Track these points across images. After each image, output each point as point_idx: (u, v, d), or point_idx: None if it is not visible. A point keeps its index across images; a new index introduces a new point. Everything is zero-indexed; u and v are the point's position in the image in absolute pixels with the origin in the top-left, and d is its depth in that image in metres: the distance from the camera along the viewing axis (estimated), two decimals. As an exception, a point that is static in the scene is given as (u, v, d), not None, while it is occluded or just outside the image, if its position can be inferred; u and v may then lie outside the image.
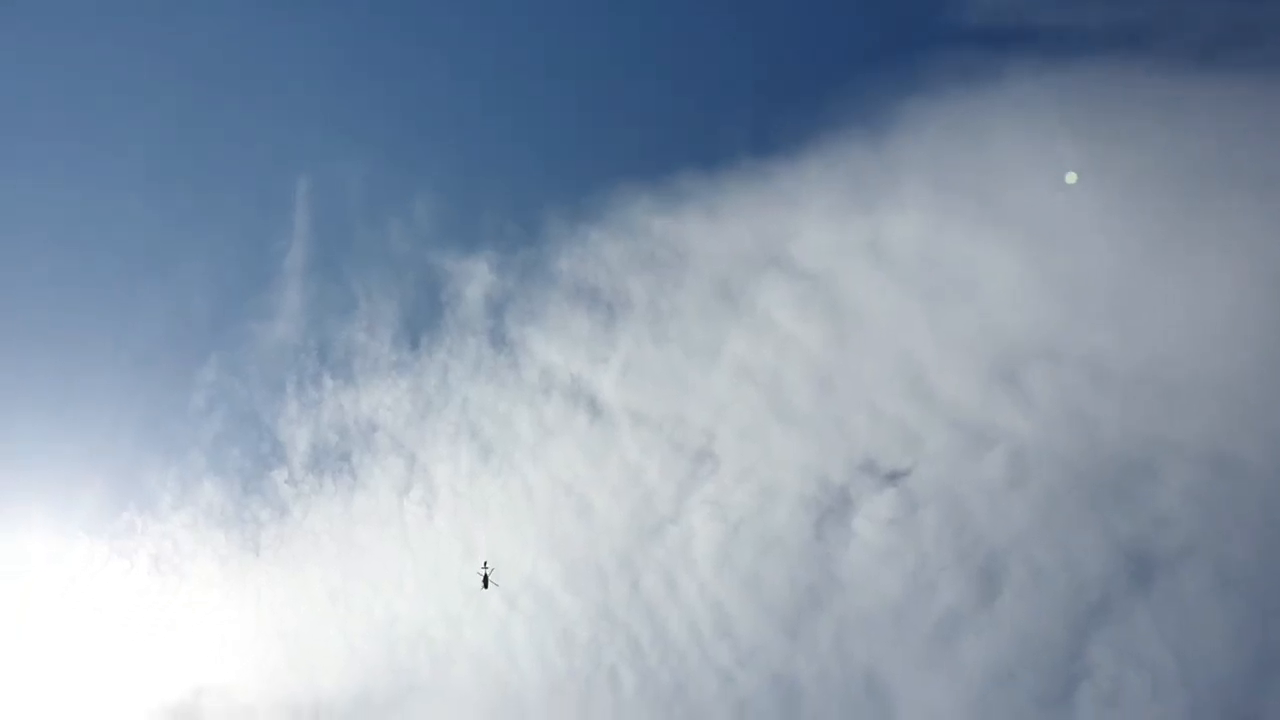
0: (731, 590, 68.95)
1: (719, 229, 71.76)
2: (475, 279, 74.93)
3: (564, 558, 70.98)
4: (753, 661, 67.91)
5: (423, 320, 75.21)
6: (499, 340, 74.02)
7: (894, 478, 67.79)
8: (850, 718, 66.24)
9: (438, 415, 73.70)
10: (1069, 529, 64.26)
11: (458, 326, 74.69)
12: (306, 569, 72.16)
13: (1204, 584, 62.29)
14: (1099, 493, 63.93)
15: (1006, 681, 64.39)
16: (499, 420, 73.31)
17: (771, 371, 70.16)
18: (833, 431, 68.65)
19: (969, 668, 64.87)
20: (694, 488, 70.36)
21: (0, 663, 71.18)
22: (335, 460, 73.42)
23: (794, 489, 68.91)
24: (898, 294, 68.48)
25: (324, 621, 71.40)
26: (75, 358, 75.17)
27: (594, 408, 72.05)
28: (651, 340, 72.20)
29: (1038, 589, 64.69)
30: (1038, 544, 64.65)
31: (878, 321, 68.90)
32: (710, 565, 69.40)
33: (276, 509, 72.91)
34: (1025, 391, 65.28)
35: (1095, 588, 63.86)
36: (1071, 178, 65.44)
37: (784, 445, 69.48)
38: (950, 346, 67.10)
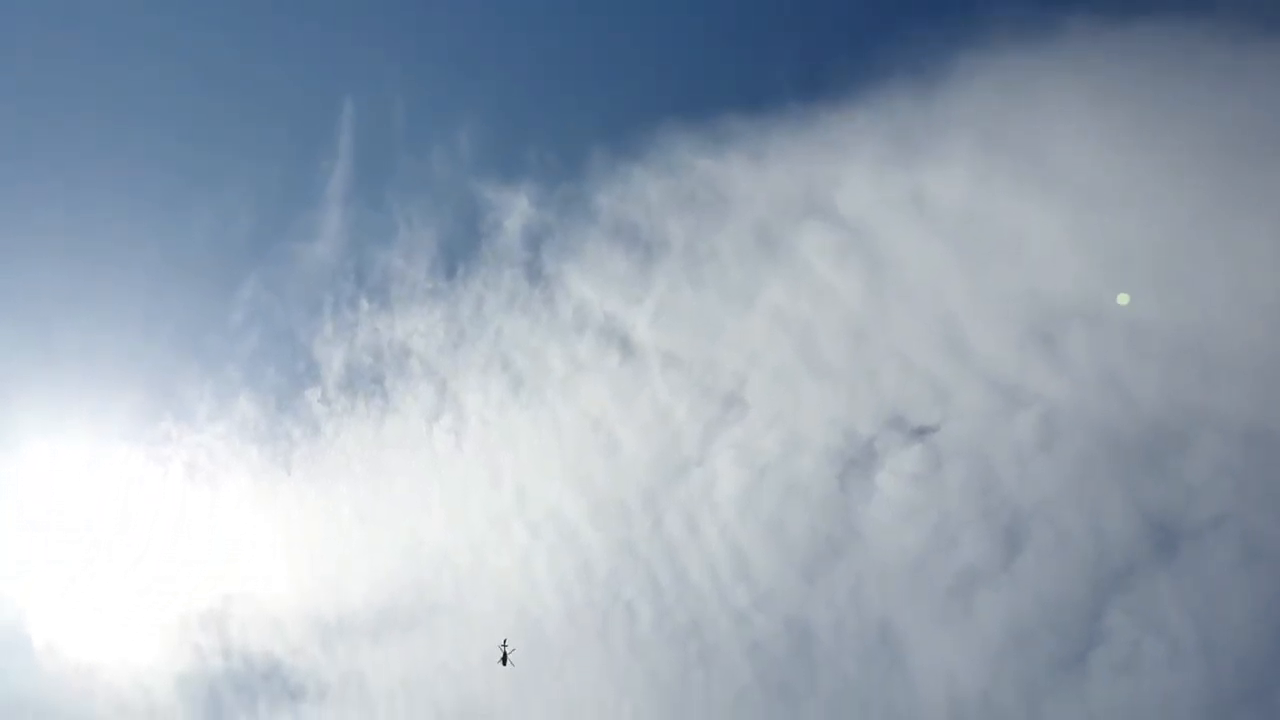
0: (752, 534, 69.41)
1: (762, 173, 71.26)
2: (515, 211, 75.09)
3: (589, 493, 71.69)
4: (769, 605, 68.53)
5: (460, 249, 75.63)
6: (535, 274, 74.32)
7: (922, 433, 67.68)
8: (863, 667, 66.81)
9: (470, 345, 74.32)
10: (1096, 494, 63.93)
11: (494, 258, 75.07)
12: (336, 487, 73.51)
13: (1230, 557, 61.92)
14: (1129, 460, 63.45)
15: (1022, 641, 64.58)
16: (531, 354, 73.79)
17: (805, 320, 69.95)
18: (863, 384, 68.51)
19: (985, 626, 65.11)
20: (721, 431, 70.62)
21: (35, 566, 73.24)
22: (368, 383, 74.45)
23: (821, 439, 68.97)
24: (938, 249, 67.80)
25: (351, 539, 72.87)
26: (118, 269, 76.46)
27: (626, 347, 72.32)
28: (687, 282, 72.15)
29: (1060, 552, 64.62)
30: (1063, 507, 64.42)
31: (916, 275, 68.35)
32: (733, 509, 69.84)
33: (309, 427, 74.15)
34: (1061, 354, 64.67)
35: (1119, 554, 63.67)
36: (1124, 299, 64.13)
37: (813, 395, 69.45)
38: (988, 304, 66.49)
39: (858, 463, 68.43)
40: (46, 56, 78.56)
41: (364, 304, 75.60)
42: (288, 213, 76.66)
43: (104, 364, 74.95)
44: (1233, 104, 62.60)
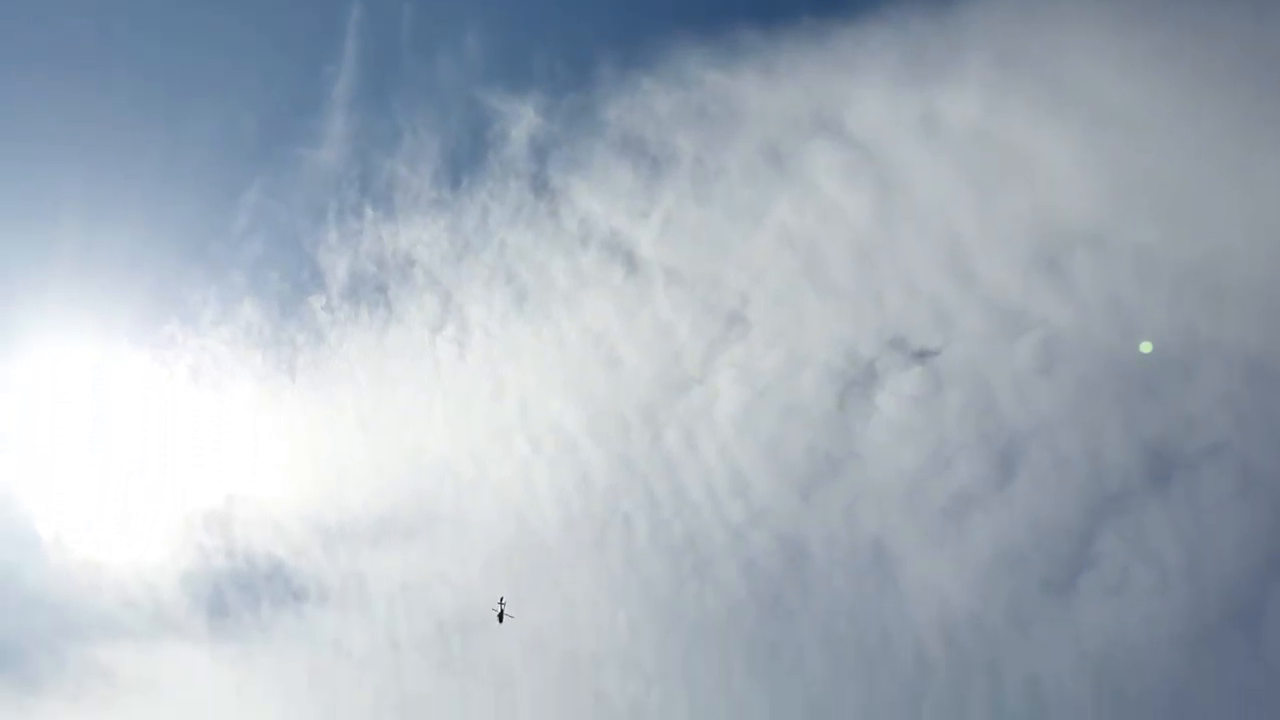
0: (750, 452, 69.85)
1: (773, 88, 70.17)
2: (521, 120, 74.32)
3: (589, 407, 72.09)
4: (764, 521, 69.23)
5: (465, 159, 75.12)
6: (540, 186, 73.82)
7: (923, 356, 67.62)
8: (855, 584, 67.70)
9: (475, 257, 74.17)
10: (1094, 420, 63.95)
11: (500, 168, 74.53)
12: (339, 395, 74.08)
13: (1224, 487, 62.13)
14: (1129, 387, 63.30)
15: (1013, 563, 65.26)
16: (535, 267, 73.58)
17: (812, 240, 69.48)
18: (867, 305, 68.28)
19: (977, 547, 65.73)
20: (723, 350, 70.67)
21: (42, 465, 74.34)
22: (372, 291, 74.55)
23: (822, 359, 68.94)
24: (948, 170, 66.98)
25: (353, 446, 73.60)
26: (123, 171, 76.27)
27: (630, 262, 72.05)
28: (694, 199, 71.56)
29: (1054, 477, 64.90)
30: (1060, 433, 64.50)
31: (924, 197, 67.63)
32: (732, 426, 70.18)
33: (313, 334, 74.47)
34: (1067, 279, 64.16)
35: (1113, 480, 63.96)
36: (1146, 348, 63.05)
37: (817, 315, 69.28)
38: (996, 228, 65.88)
39: (858, 384, 68.50)
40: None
41: (368, 212, 75.48)
42: (292, 117, 76.28)
43: (109, 267, 75.30)
44: (1254, 31, 61.23)
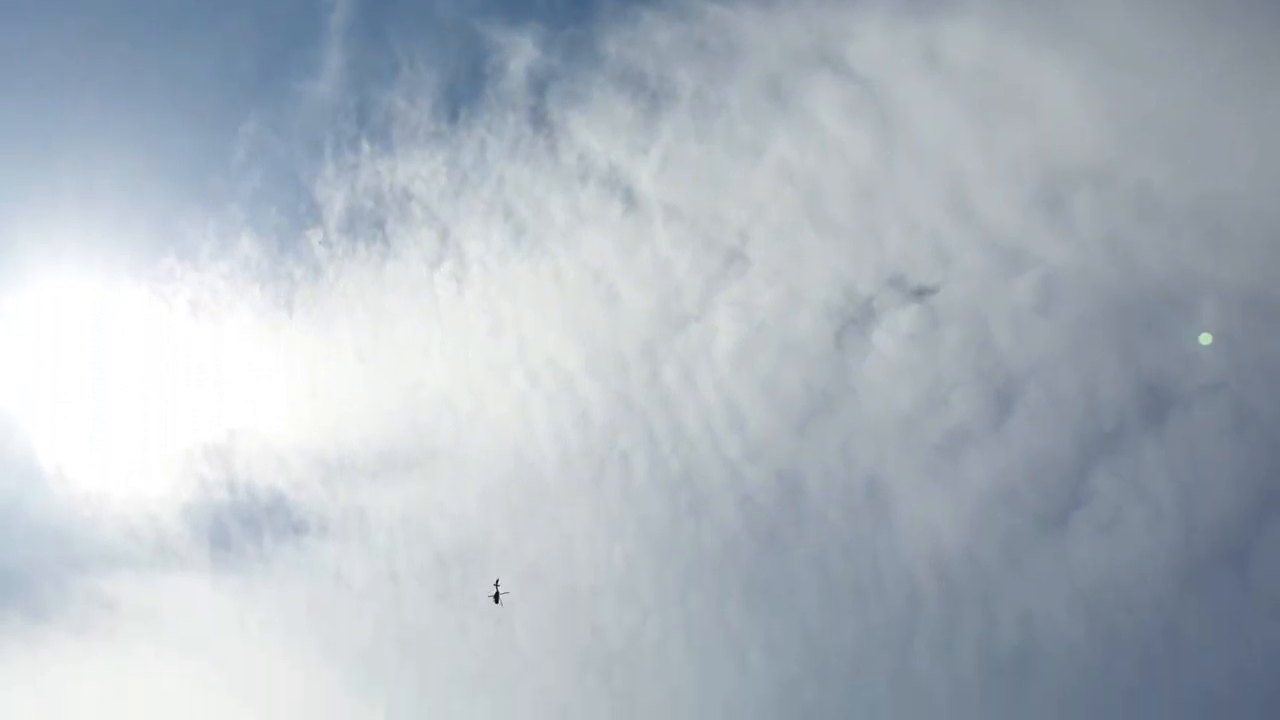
0: (747, 389, 70.03)
1: (773, 21, 69.30)
2: (520, 53, 73.55)
3: (587, 343, 72.21)
4: (761, 457, 69.60)
5: (463, 92, 74.47)
6: (539, 120, 73.23)
7: (921, 294, 67.45)
8: (850, 520, 68.21)
9: (473, 192, 73.85)
10: (1091, 358, 63.89)
11: (498, 101, 73.92)
12: (337, 329, 74.29)
13: (1218, 424, 62.24)
14: (1127, 325, 63.16)
15: (1006, 500, 65.64)
16: (533, 203, 73.32)
17: (812, 176, 69.05)
18: (866, 242, 68.00)
19: (971, 484, 66.09)
20: (722, 286, 70.57)
21: (43, 398, 74.87)
22: (369, 226, 74.39)
23: (820, 296, 68.86)
24: (949, 106, 66.29)
25: (351, 381, 73.97)
26: (120, 104, 75.86)
27: (629, 198, 71.73)
28: (694, 134, 71.00)
29: (1050, 414, 65.04)
30: (1057, 370, 64.49)
31: (926, 133, 67.02)
32: (729, 363, 70.31)
33: (310, 268, 74.49)
34: (1067, 216, 63.74)
35: (1109, 418, 64.09)
36: (1206, 339, 62.01)
37: (815, 251, 69.06)
38: (996, 165, 65.32)
39: (855, 321, 68.50)
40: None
41: (365, 146, 75.07)
42: (289, 50, 75.57)
43: (109, 201, 75.21)
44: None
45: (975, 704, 66.42)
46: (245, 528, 72.75)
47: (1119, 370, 63.36)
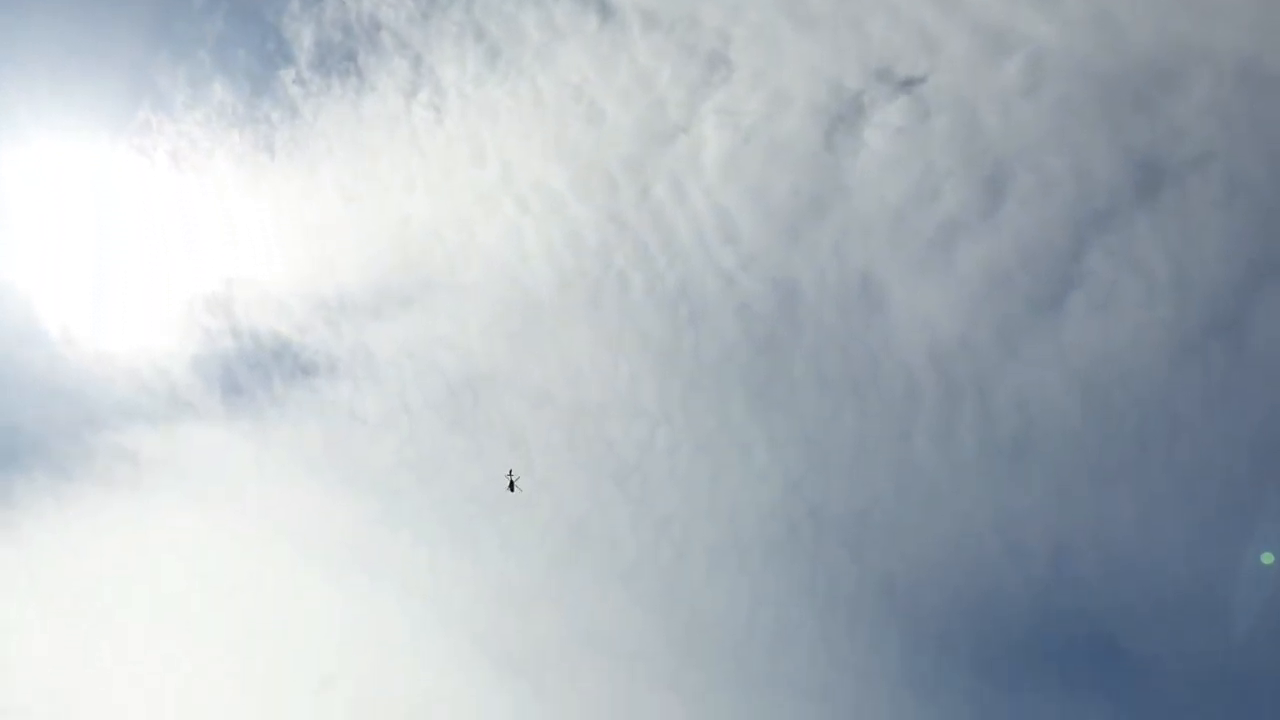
0: (738, 197, 69.62)
1: None
2: None
3: (573, 163, 71.40)
4: (755, 265, 69.85)
5: (422, -91, 71.20)
6: (505, -69, 70.26)
7: (908, 85, 66.02)
8: (845, 318, 68.96)
9: (442, 14, 71.63)
10: (1081, 137, 63.05)
11: (462, -89, 70.75)
12: (319, 169, 73.46)
13: (1211, 195, 61.90)
14: (1117, 100, 62.00)
15: (1000, 286, 66.08)
16: (505, 21, 71.10)
17: (790, -33, 66.63)
18: (849, 34, 66.10)
19: (965, 271, 66.44)
20: (706, 95, 69.14)
21: (38, 260, 74.97)
22: (341, 60, 72.52)
23: (806, 95, 67.49)
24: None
25: (340, 220, 73.66)
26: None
27: (604, 8, 69.50)
28: (666, -67, 68.21)
29: (1042, 196, 64.70)
30: (1047, 152, 63.76)
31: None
32: (718, 172, 69.65)
33: (286, 109, 73.13)
34: (1054, -8, 61.73)
35: (1101, 196, 63.76)
36: (1268, 559, 60.55)
37: (799, 49, 67.26)
38: (979, -59, 62.86)
39: (844, 119, 67.32)
40: None
41: (328, -27, 72.36)
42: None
43: (78, 52, 73.29)
44: None
45: (976, 489, 68.74)
46: (254, 373, 74.09)
47: (1109, 148, 62.63)
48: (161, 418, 72.89)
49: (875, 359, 68.63)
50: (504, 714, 69.00)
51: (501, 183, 71.81)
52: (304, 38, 72.65)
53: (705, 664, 70.77)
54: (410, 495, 73.25)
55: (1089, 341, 65.27)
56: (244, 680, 69.05)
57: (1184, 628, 65.75)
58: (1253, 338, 62.62)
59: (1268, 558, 63.43)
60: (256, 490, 72.44)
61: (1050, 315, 65.78)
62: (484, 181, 71.95)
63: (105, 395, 72.89)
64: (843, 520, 71.39)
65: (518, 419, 74.21)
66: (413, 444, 74.08)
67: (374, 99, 72.59)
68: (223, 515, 72.10)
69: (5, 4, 73.77)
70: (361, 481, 73.32)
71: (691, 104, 69.43)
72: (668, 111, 69.90)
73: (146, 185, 74.07)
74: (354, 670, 70.06)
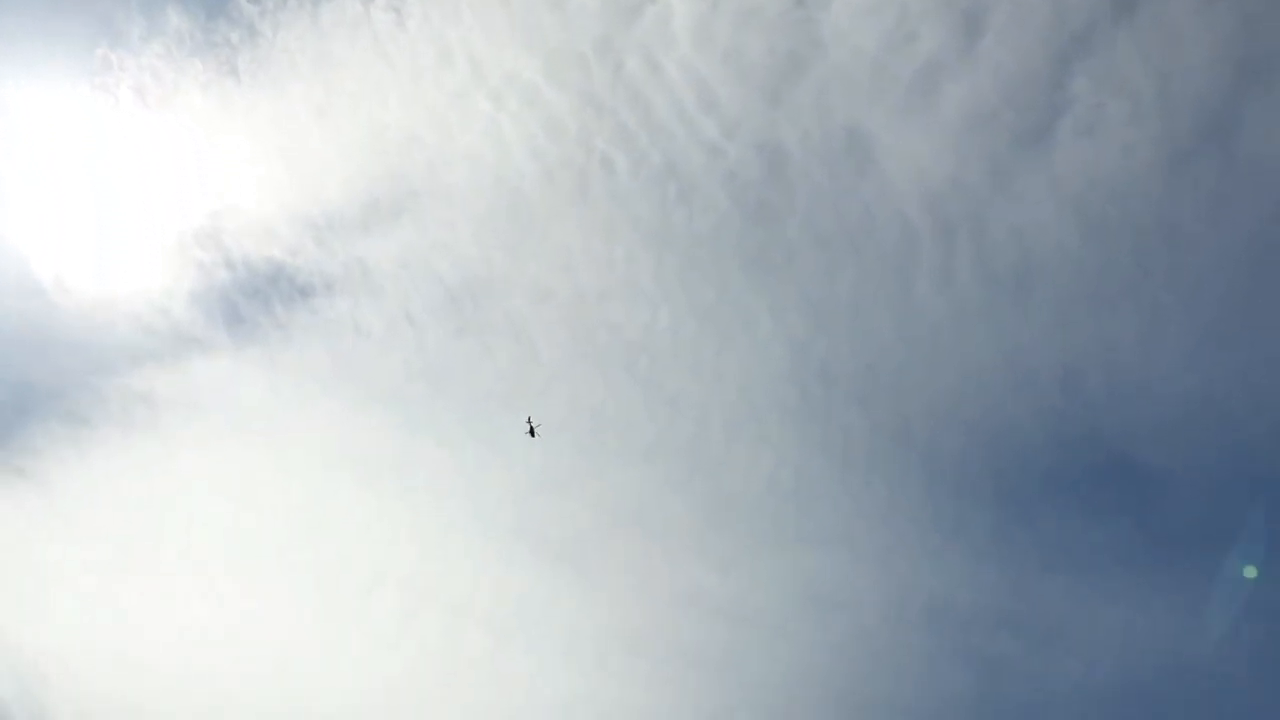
0: (713, 64, 68.62)
1: None
2: None
3: (542, 50, 70.15)
4: (737, 132, 69.32)
5: None
6: None
7: (877, -75, 64.65)
8: (834, 175, 68.74)
9: (391, -89, 69.56)
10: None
11: None
12: (287, 88, 72.12)
13: (1189, 2, 61.25)
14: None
15: (986, 121, 65.74)
16: (454, -91, 69.11)
17: None
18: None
19: (949, 112, 66.02)
20: (670, -45, 67.60)
21: (23, 211, 74.32)
22: (293, -29, 70.56)
23: (774, -53, 66.12)
24: None
25: (315, 137, 72.57)
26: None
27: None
28: None
29: (1020, 26, 63.98)
30: (1021, -20, 62.77)
31: None
32: (690, 41, 68.49)
33: (246, 30, 71.43)
34: None
35: (1079, 18, 63.15)
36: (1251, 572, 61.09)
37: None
38: None
39: (813, -30, 66.07)
40: None
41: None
42: None
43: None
44: None
45: (980, 327, 69.46)
46: (253, 301, 74.01)
47: (1083, -34, 61.66)
48: (169, 356, 73.23)
49: (868, 211, 68.65)
50: (547, 596, 71.00)
51: (473, 80, 70.69)
52: (252, -47, 70.69)
53: (733, 529, 72.61)
54: (426, 402, 74.11)
55: (1079, 167, 65.20)
56: (293, 594, 70.90)
57: (1195, 437, 67.22)
58: (1243, 141, 62.56)
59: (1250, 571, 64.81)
60: (274, 414, 73.21)
61: (1038, 146, 65.59)
62: (455, 81, 70.85)
63: (110, 341, 73.10)
64: (852, 376, 72.31)
65: (520, 316, 74.55)
66: (420, 353, 74.59)
67: (331, 8, 70.98)
68: (245, 442, 73.00)
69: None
70: (376, 394, 74.05)
71: (654, -19, 68.01)
72: (631, -14, 68.48)
73: (115, 125, 72.90)
74: (398, 571, 71.92)
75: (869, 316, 70.76)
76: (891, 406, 71.76)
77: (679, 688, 69.10)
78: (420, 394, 73.97)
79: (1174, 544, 67.95)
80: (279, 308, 73.97)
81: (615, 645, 69.79)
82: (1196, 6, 61.41)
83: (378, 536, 72.31)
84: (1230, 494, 67.55)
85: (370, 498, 72.53)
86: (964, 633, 68.82)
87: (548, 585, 71.15)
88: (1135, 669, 66.95)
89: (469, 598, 70.91)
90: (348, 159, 72.54)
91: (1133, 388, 67.31)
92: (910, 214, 67.47)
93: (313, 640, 70.19)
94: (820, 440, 72.83)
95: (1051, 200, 65.84)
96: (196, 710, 67.85)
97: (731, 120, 69.18)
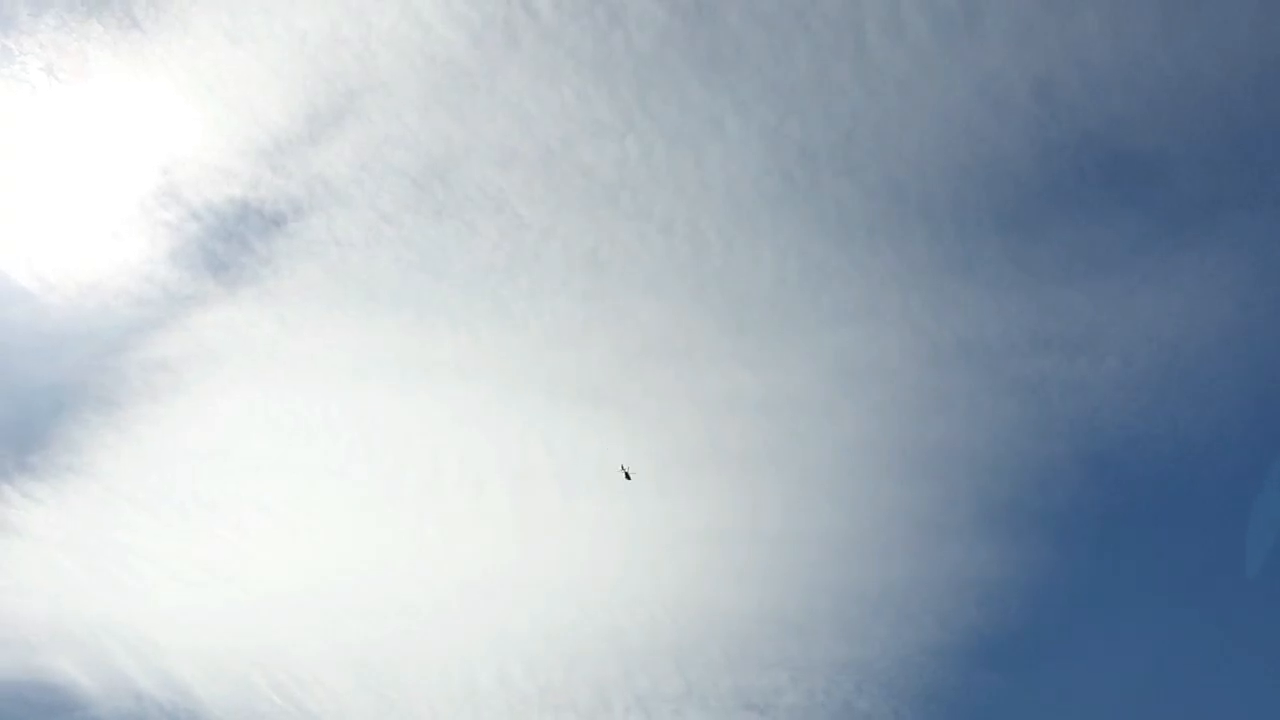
0: None
1: None
2: None
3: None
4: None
5: None
6: None
7: None
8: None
9: None
10: None
11: None
12: (194, 24, 70.04)
13: None
14: None
15: None
16: None
17: None
18: None
19: None
20: None
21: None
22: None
23: None
24: None
25: (237, 65, 70.80)
26: None
27: None
28: None
29: None
30: None
31: None
32: None
33: (133, -27, 68.81)
34: None
35: None
36: None
37: None
38: None
39: None
40: None
41: None
42: None
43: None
44: None
45: (941, 65, 68.68)
46: (230, 244, 73.62)
47: None
48: (170, 319, 73.41)
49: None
50: (598, 441, 73.00)
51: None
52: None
53: (754, 329, 73.95)
54: (429, 291, 74.50)
55: None
56: (366, 508, 72.83)
57: (1180, 113, 67.01)
58: None
59: None
60: (288, 344, 73.71)
61: None
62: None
63: (110, 322, 73.07)
64: (831, 149, 72.10)
65: (492, 184, 74.09)
66: (407, 246, 74.56)
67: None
68: (269, 378, 73.70)
69: None
70: (379, 302, 74.40)
71: None
72: None
73: (39, 109, 71.26)
74: (452, 456, 73.76)
75: (832, 86, 69.97)
76: (877, 169, 71.72)
77: (740, 491, 71.64)
78: (420, 284, 74.39)
79: (1184, 220, 68.59)
80: (257, 243, 73.87)
81: (672, 470, 72.04)
82: None
83: (423, 430, 73.95)
84: (1226, 158, 67.71)
85: (403, 395, 73.82)
86: (1001, 363, 70.52)
87: (595, 430, 73.07)
88: (1171, 348, 68.53)
89: (524, 462, 72.99)
90: (277, 76, 71.01)
91: (1108, 80, 66.76)
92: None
93: (400, 546, 72.40)
94: (816, 220, 73.15)
95: None
96: (324, 651, 69.82)
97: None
